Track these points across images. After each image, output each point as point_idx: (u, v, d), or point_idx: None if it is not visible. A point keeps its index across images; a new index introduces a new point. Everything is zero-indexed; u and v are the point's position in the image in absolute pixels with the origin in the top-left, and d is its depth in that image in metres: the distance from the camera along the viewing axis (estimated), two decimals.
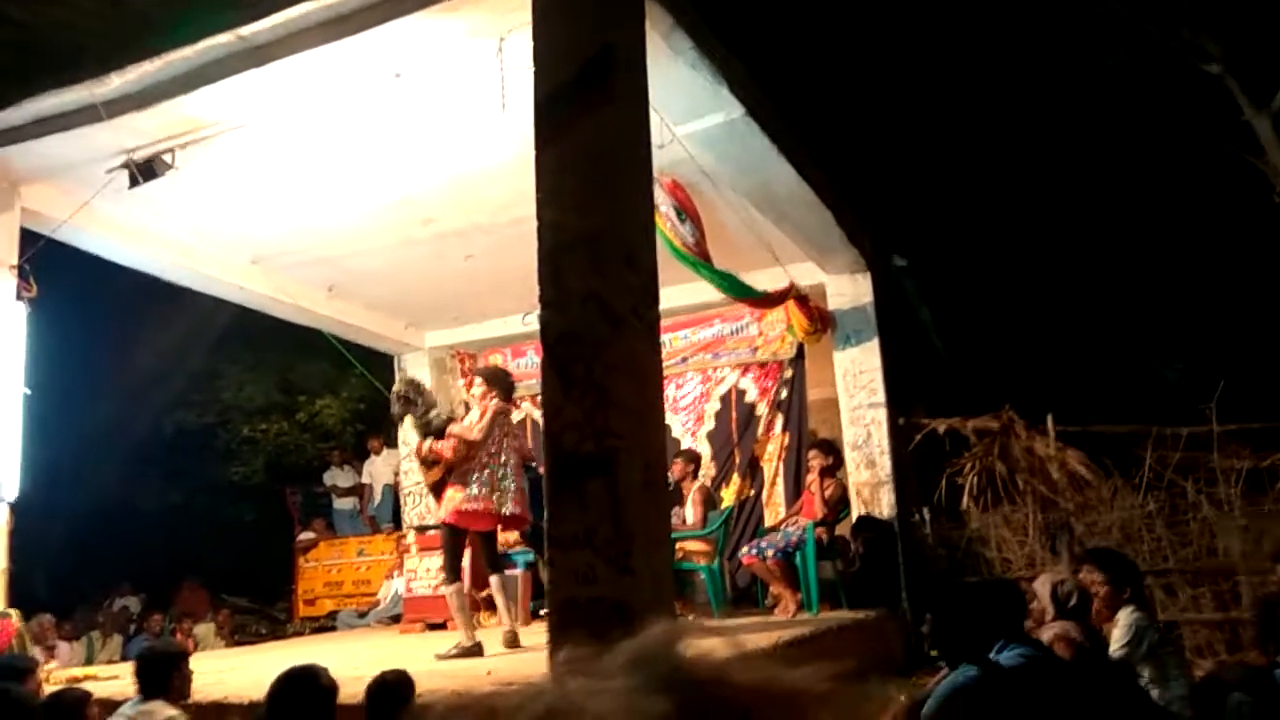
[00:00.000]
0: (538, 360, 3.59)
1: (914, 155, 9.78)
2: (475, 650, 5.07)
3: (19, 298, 5.57)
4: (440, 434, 5.42)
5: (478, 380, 5.77)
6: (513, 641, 5.19)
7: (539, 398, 3.55)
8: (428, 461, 5.54)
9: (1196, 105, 8.75)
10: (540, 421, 3.79)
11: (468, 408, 6.02)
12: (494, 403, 5.48)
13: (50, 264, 5.91)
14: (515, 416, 9.26)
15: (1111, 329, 10.11)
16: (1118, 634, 4.05)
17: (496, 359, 9.43)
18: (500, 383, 5.64)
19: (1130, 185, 9.72)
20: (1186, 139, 9.05)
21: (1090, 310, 10.16)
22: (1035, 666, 2.94)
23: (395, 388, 5.82)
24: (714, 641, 0.59)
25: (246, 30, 4.46)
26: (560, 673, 0.55)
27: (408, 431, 6.52)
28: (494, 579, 5.45)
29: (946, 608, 3.19)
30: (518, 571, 7.02)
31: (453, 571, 5.38)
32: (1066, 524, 7.13)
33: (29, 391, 5.57)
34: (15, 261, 5.60)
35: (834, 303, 7.72)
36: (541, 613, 5.93)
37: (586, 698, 0.51)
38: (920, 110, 9.84)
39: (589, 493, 3.28)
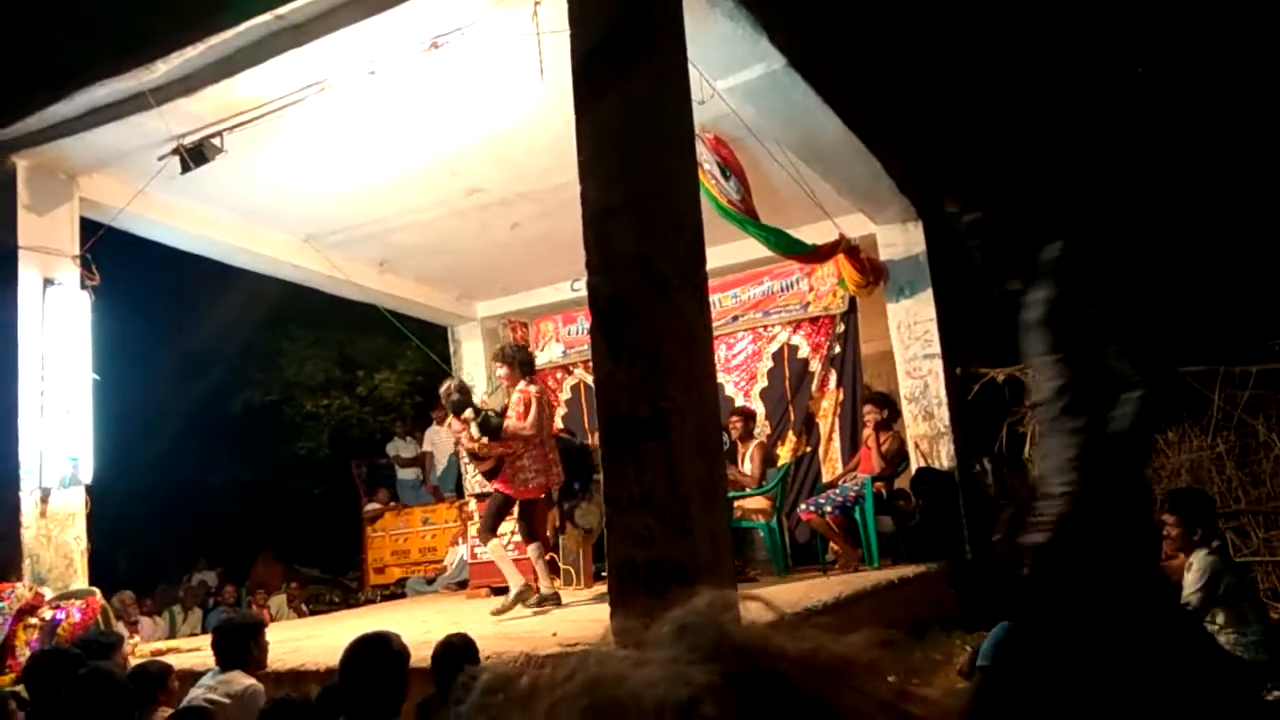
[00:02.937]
0: (588, 326, 3.60)
1: (965, 93, 9.51)
2: (554, 598, 5.48)
3: (83, 287, 5.72)
4: (495, 433, 5.56)
5: (499, 367, 5.95)
6: (547, 601, 5.50)
7: (590, 363, 3.56)
8: (479, 456, 5.73)
9: (1254, 17, 8.37)
10: (593, 386, 3.80)
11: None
12: (533, 389, 5.72)
13: (112, 251, 6.06)
14: (569, 383, 9.39)
15: (1175, 263, 9.80)
16: (1191, 578, 3.97)
17: (547, 326, 9.49)
18: (520, 362, 5.86)
19: (1190, 109, 9.35)
20: (1249, 57, 8.67)
21: (1152, 246, 9.85)
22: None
23: (444, 392, 5.90)
24: (757, 608, 0.59)
25: (285, 10, 4.49)
26: (608, 643, 0.55)
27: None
28: (531, 547, 5.67)
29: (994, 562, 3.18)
30: (579, 534, 7.10)
31: (529, 534, 5.76)
32: None
33: (98, 378, 5.74)
34: (77, 251, 5.75)
35: (885, 253, 7.60)
36: (603, 574, 6.02)
37: (631, 668, 0.51)
38: (970, 46, 9.55)
39: (644, 455, 3.30)
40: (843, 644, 0.54)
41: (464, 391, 5.89)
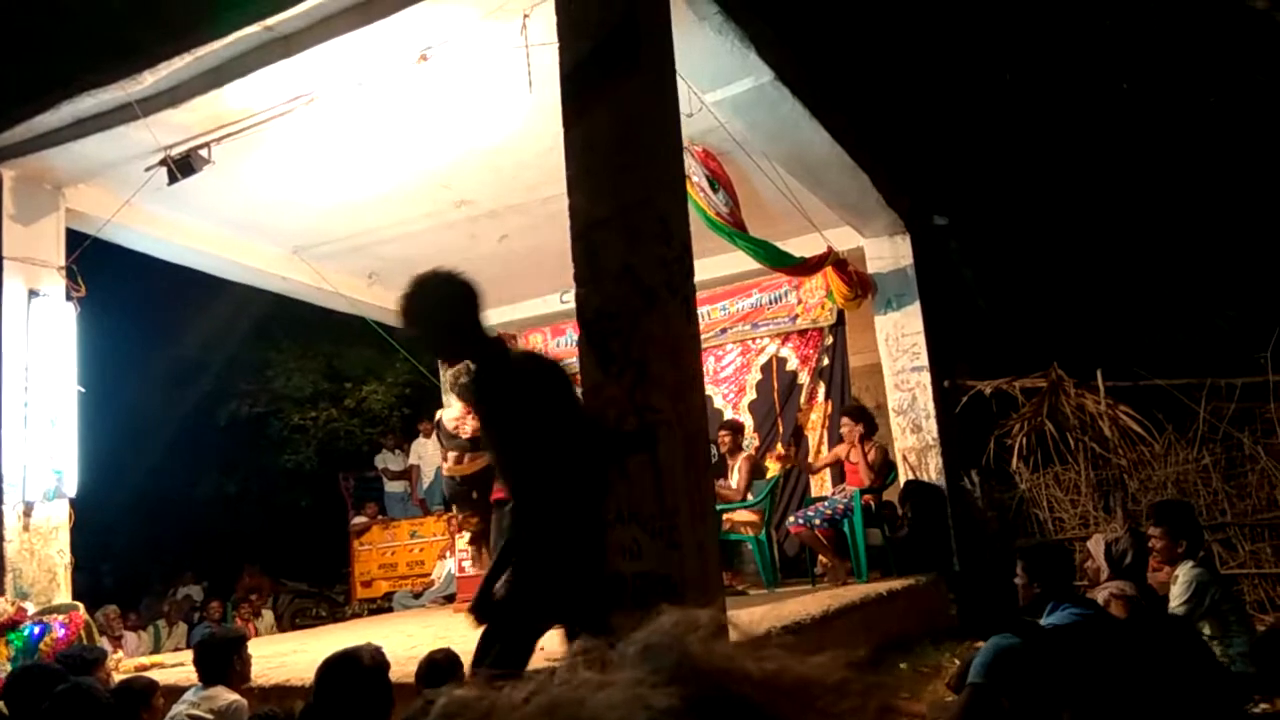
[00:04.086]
0: (577, 338, 3.59)
1: (952, 111, 9.57)
2: None
3: (68, 298, 5.68)
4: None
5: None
6: None
7: (579, 376, 3.55)
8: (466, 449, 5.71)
9: (1244, 44, 8.45)
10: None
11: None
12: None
13: (97, 262, 6.03)
14: None
15: (1160, 278, 9.86)
16: (1177, 590, 3.98)
17: (536, 339, 9.48)
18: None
19: (1177, 128, 9.43)
20: (1234, 79, 8.75)
21: (1137, 260, 9.92)
22: (1086, 625, 2.91)
23: (454, 374, 5.82)
24: (723, 629, 0.58)
25: (273, 20, 4.49)
26: (569, 664, 0.54)
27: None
28: None
29: (984, 575, 3.21)
30: None
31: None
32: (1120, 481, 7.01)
33: (83, 390, 5.70)
34: (63, 263, 5.72)
35: (873, 266, 7.63)
36: None
37: (592, 691, 0.50)
38: (957, 63, 9.62)
39: (631, 468, 3.28)
40: (808, 665, 0.53)
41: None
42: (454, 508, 5.64)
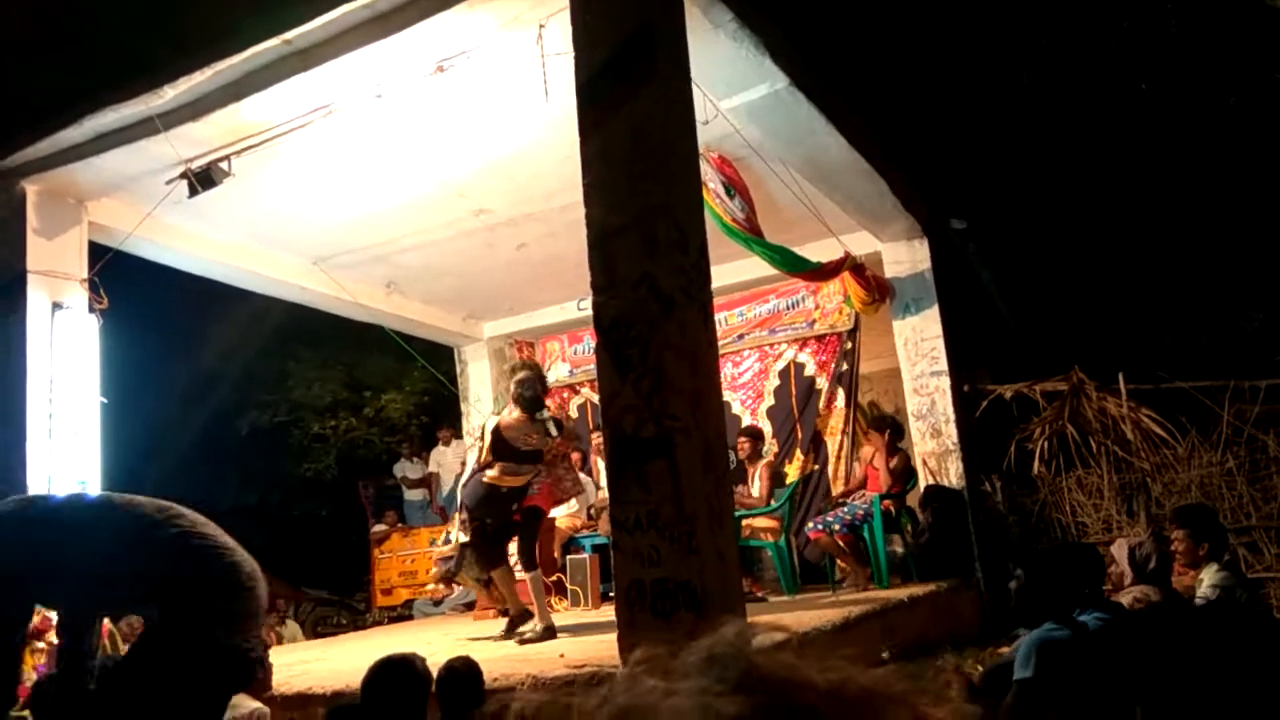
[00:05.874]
0: (595, 345, 3.60)
1: (969, 113, 9.53)
2: (549, 633, 5.17)
3: (91, 310, 5.75)
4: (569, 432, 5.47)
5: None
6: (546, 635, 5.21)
7: (597, 383, 3.56)
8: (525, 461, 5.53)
9: (1264, 44, 8.38)
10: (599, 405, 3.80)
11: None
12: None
13: (120, 274, 6.10)
14: (575, 402, 9.39)
15: (1182, 280, 9.78)
16: (1202, 592, 3.94)
17: (554, 346, 9.51)
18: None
19: (1198, 129, 9.35)
20: (1255, 79, 8.68)
21: (1159, 262, 9.84)
22: (1115, 628, 2.88)
23: (522, 381, 5.32)
24: (777, 635, 0.59)
25: (291, 35, 4.53)
26: (634, 672, 0.55)
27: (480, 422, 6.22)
28: (532, 575, 5.44)
29: (1036, 568, 3.16)
30: (586, 556, 7.08)
31: (530, 562, 5.49)
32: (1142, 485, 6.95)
33: (105, 401, 5.75)
34: (86, 275, 5.78)
35: (891, 271, 7.60)
36: (610, 594, 5.98)
37: (660, 698, 0.51)
38: (974, 65, 9.58)
39: (650, 475, 3.29)
40: (871, 676, 0.54)
41: (544, 384, 5.48)
42: (468, 510, 5.45)
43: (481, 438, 5.53)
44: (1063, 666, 2.79)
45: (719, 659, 0.54)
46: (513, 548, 5.76)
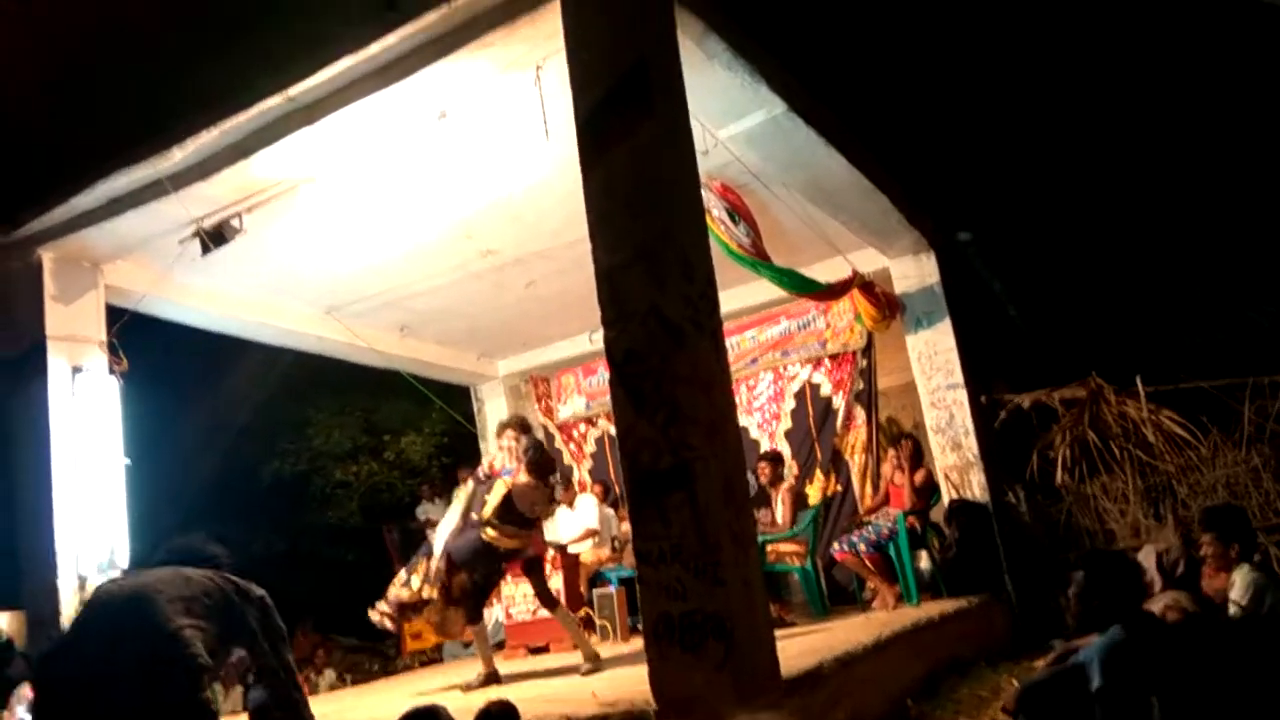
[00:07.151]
0: (609, 376, 3.62)
1: (970, 123, 9.55)
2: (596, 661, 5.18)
3: (110, 372, 5.81)
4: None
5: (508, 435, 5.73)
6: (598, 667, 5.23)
7: (613, 414, 3.57)
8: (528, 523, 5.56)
9: (1272, 43, 8.37)
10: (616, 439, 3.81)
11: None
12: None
13: (137, 331, 6.17)
14: (593, 435, 9.41)
15: (1194, 278, 9.72)
16: (1235, 594, 3.90)
17: (569, 380, 9.54)
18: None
19: (1205, 126, 9.33)
20: (1260, 73, 8.67)
21: (1170, 261, 9.79)
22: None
23: (531, 447, 5.46)
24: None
25: (295, 91, 4.60)
26: None
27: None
28: (559, 611, 5.63)
29: (1099, 571, 3.14)
30: (612, 590, 7.06)
31: (551, 600, 5.63)
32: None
33: (129, 462, 5.80)
34: (104, 338, 5.85)
35: (900, 286, 7.61)
36: (638, 626, 5.95)
37: None
38: (973, 75, 9.61)
39: (670, 507, 3.29)
40: None
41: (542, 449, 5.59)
42: (458, 566, 5.43)
43: (478, 483, 5.54)
44: (1138, 669, 2.76)
45: None
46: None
